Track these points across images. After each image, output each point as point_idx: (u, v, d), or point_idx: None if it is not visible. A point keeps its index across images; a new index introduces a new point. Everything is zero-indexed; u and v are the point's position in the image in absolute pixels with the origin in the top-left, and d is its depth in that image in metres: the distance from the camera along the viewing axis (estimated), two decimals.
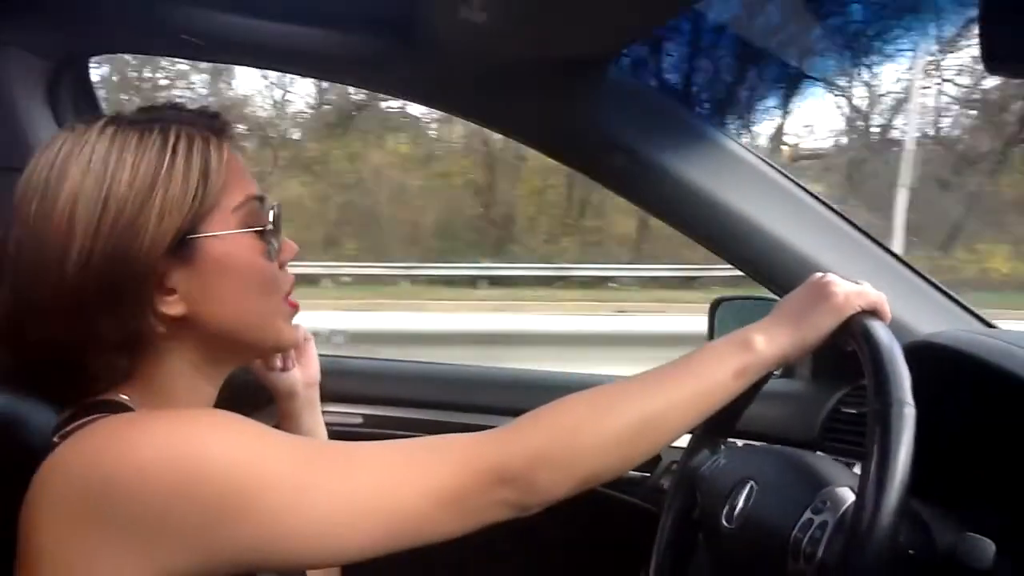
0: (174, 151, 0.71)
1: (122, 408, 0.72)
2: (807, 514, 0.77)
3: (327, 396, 1.09)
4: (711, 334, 1.41)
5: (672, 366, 0.79)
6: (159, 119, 0.74)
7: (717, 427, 1.01)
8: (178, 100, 0.81)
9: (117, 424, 0.68)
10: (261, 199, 0.78)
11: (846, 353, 0.84)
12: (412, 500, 0.69)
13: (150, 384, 0.75)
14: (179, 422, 0.68)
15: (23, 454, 0.79)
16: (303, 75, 1.32)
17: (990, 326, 1.20)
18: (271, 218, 0.78)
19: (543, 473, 0.72)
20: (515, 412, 0.77)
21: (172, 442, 0.65)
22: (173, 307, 0.73)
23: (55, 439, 0.70)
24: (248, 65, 1.23)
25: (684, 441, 1.05)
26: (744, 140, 1.22)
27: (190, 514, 0.63)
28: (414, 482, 0.69)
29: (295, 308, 0.83)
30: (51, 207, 0.69)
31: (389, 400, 1.45)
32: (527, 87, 1.15)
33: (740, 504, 0.86)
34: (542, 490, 0.72)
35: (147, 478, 0.63)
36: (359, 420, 1.41)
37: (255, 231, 0.77)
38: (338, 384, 1.40)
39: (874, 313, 0.83)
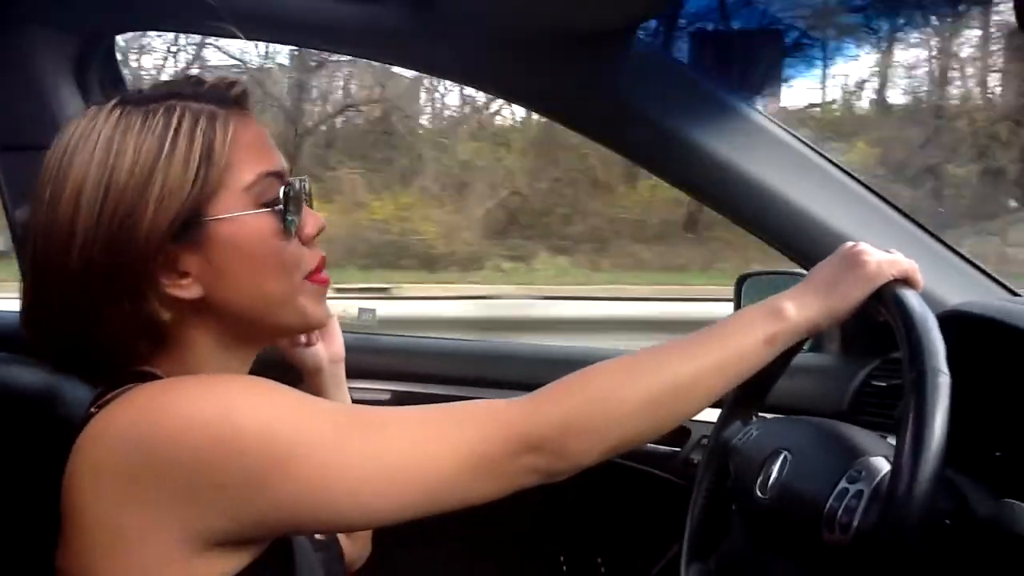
0: (176, 133, 0.71)
1: (156, 378, 0.73)
2: (842, 483, 0.77)
3: (355, 373, 1.10)
4: (737, 309, 1.40)
5: (702, 333, 0.79)
6: (169, 96, 0.73)
7: (749, 398, 1.01)
8: (197, 73, 0.79)
9: (152, 390, 0.69)
10: (278, 174, 0.76)
11: (876, 324, 0.84)
12: (443, 463, 0.69)
13: (181, 363, 0.76)
14: (213, 385, 0.70)
15: (61, 427, 0.81)
16: (324, 49, 1.33)
17: (1016, 295, 1.19)
18: (289, 197, 0.76)
19: (573, 439, 0.72)
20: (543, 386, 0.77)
21: (207, 405, 0.66)
22: (188, 290, 0.73)
23: (92, 409, 0.71)
24: (269, 40, 1.23)
25: (714, 416, 1.06)
26: (770, 111, 1.21)
27: (225, 475, 0.65)
28: (446, 446, 0.70)
29: (323, 284, 0.81)
30: (60, 193, 0.70)
31: (417, 376, 1.46)
32: (549, 59, 1.14)
33: (774, 474, 0.86)
34: (571, 456, 0.72)
35: (183, 441, 0.64)
36: (387, 396, 1.42)
37: (268, 210, 0.75)
38: (366, 361, 1.41)
39: (906, 282, 0.82)
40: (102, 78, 1.31)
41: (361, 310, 1.41)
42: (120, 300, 0.71)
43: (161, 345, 0.75)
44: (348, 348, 1.07)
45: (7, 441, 0.93)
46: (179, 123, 0.71)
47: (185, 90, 0.74)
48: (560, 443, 0.72)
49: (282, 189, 0.76)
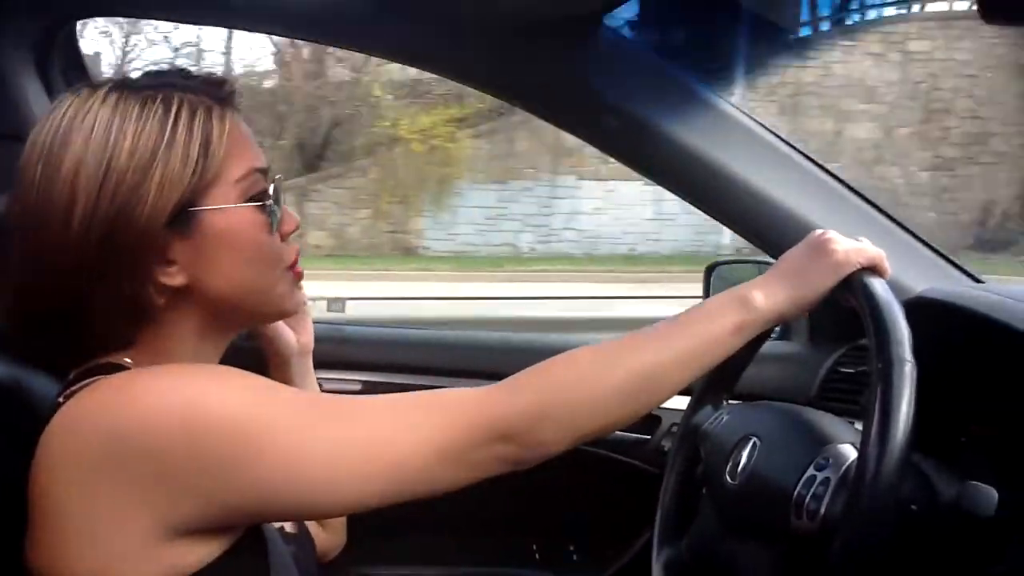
0: (175, 121, 0.71)
1: (123, 370, 0.73)
2: (810, 470, 0.78)
3: (326, 363, 1.09)
4: (706, 297, 1.41)
5: (670, 322, 0.79)
6: (164, 85, 0.74)
7: (718, 384, 1.02)
8: (186, 66, 0.80)
9: (121, 380, 0.70)
10: (264, 171, 0.78)
11: (843, 312, 0.84)
12: (411, 450, 0.70)
13: (153, 350, 0.76)
14: (181, 374, 0.70)
15: (25, 419, 0.79)
16: (286, 35, 1.31)
17: (978, 281, 1.21)
18: (271, 191, 0.78)
19: (542, 428, 0.73)
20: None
21: (174, 393, 0.67)
22: (174, 278, 0.74)
23: (59, 399, 0.71)
24: (241, 28, 1.21)
25: (684, 404, 1.07)
26: (735, 99, 1.21)
27: (194, 462, 0.65)
28: (414, 433, 0.70)
29: (299, 276, 0.83)
30: (55, 173, 0.70)
31: (386, 366, 1.45)
32: (517, 48, 1.14)
33: (743, 460, 0.87)
34: (540, 445, 0.73)
35: (150, 428, 0.65)
36: (357, 387, 1.41)
37: (257, 205, 0.77)
38: (337, 351, 1.40)
39: (874, 270, 0.83)
40: (63, 65, 1.28)
41: (331, 300, 1.41)
42: (113, 281, 0.71)
43: (138, 330, 0.75)
44: (317, 338, 1.07)
45: None
46: (178, 112, 0.72)
47: (178, 81, 0.75)
48: (529, 432, 0.72)
49: (271, 186, 0.78)
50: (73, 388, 0.71)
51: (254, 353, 1.00)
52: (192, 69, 0.79)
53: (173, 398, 0.66)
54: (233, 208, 0.75)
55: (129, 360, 0.75)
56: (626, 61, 1.18)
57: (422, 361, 1.46)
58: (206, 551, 0.68)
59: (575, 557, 1.49)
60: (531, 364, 0.76)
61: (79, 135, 0.70)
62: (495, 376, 0.77)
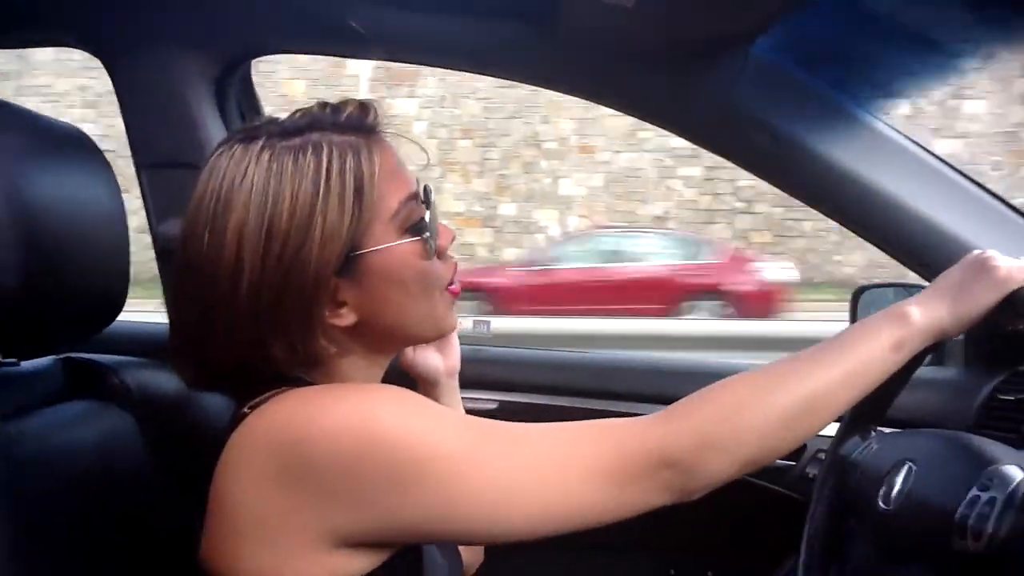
0: (328, 174, 0.73)
1: (306, 383, 0.77)
2: (973, 491, 0.75)
3: (464, 383, 1.13)
4: (853, 323, 1.37)
5: (828, 344, 0.78)
6: (310, 129, 0.75)
7: (868, 413, 0.99)
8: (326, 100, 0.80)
9: (305, 394, 0.73)
10: (415, 196, 0.79)
11: (1003, 335, 0.82)
12: (577, 480, 0.70)
13: (327, 376, 0.79)
14: (361, 393, 0.73)
15: (199, 428, 0.86)
16: (450, 67, 1.37)
17: None
18: (427, 218, 0.79)
19: (707, 455, 0.72)
20: (654, 399, 0.78)
21: (354, 412, 0.69)
22: (345, 319, 0.77)
23: (245, 410, 0.75)
24: (397, 60, 1.28)
25: (830, 430, 1.04)
26: (889, 119, 1.19)
27: (366, 479, 0.68)
28: (580, 462, 0.71)
29: (456, 295, 0.84)
30: (220, 240, 0.72)
31: (525, 387, 1.48)
32: (669, 70, 1.16)
33: (898, 485, 0.85)
34: (705, 473, 0.72)
35: (330, 443, 0.68)
36: (493, 406, 1.45)
37: (415, 239, 0.78)
38: (476, 371, 1.45)
39: None
40: (239, 99, 1.39)
41: (476, 322, 1.45)
42: (288, 333, 0.74)
43: (312, 367, 0.79)
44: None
45: (145, 443, 1.00)
46: (329, 162, 0.73)
47: (325, 120, 0.76)
48: (694, 459, 0.71)
49: (427, 214, 0.80)
50: (258, 399, 0.75)
51: (403, 374, 1.05)
52: (336, 102, 0.79)
53: (352, 417, 0.69)
54: (395, 245, 0.77)
55: (308, 377, 0.78)
56: (777, 81, 1.19)
57: (558, 382, 1.48)
58: (367, 561, 0.71)
59: None
60: (671, 386, 0.76)
61: (239, 200, 0.72)
62: (633, 397, 0.77)
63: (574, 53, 1.19)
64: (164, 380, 1.08)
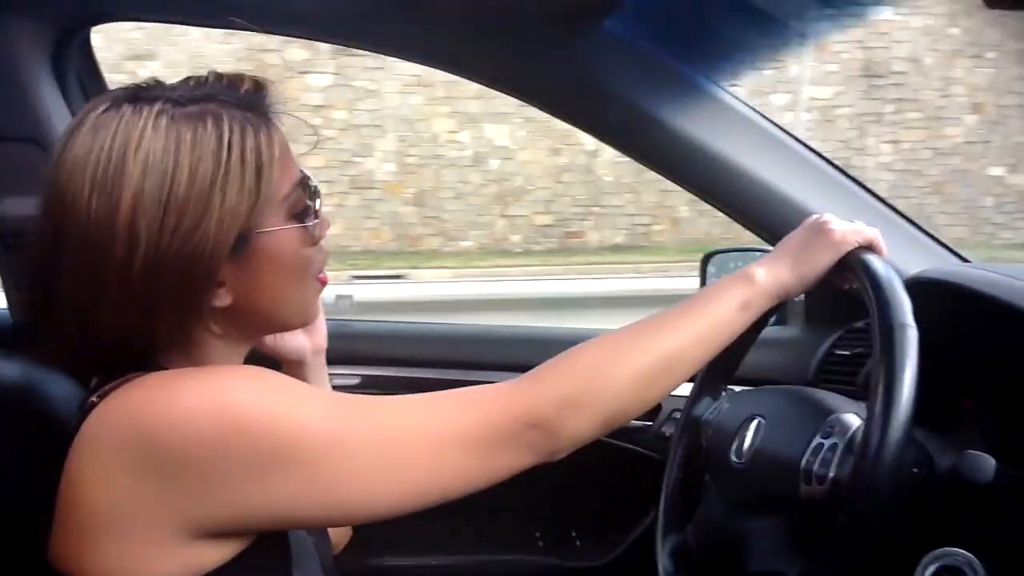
0: (229, 148, 0.69)
1: (157, 369, 0.73)
2: (816, 439, 0.80)
3: (329, 359, 1.10)
4: (703, 287, 1.43)
5: (682, 306, 0.81)
6: (207, 100, 0.71)
7: (718, 373, 1.04)
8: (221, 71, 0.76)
9: (156, 380, 0.69)
10: (303, 182, 0.77)
11: (840, 294, 0.87)
12: (447, 449, 0.70)
13: (187, 357, 0.75)
14: (215, 375, 0.70)
15: (44, 418, 0.80)
16: (300, 36, 1.32)
17: (965, 261, 1.24)
18: (317, 205, 0.78)
19: (569, 415, 0.73)
20: (517, 367, 0.79)
21: (210, 395, 0.66)
22: (222, 299, 0.73)
23: (93, 399, 0.71)
24: (246, 28, 1.22)
25: (684, 390, 1.08)
26: (737, 91, 1.24)
27: (226, 464, 0.65)
28: (448, 432, 0.71)
29: (324, 283, 0.82)
30: (115, 205, 0.67)
31: (388, 360, 1.46)
32: (522, 41, 1.17)
33: (748, 439, 0.89)
34: (569, 433, 0.74)
35: (186, 428, 0.65)
36: (356, 381, 1.42)
37: (303, 225, 0.76)
38: (340, 347, 1.41)
39: (870, 248, 0.86)
40: (80, 72, 1.29)
41: (338, 296, 1.41)
42: (177, 311, 0.71)
43: (179, 349, 0.75)
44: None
45: None
46: (230, 138, 0.70)
47: (222, 93, 0.73)
48: (557, 420, 0.73)
49: (317, 201, 0.78)
50: (107, 387, 0.71)
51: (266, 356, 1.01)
52: (230, 75, 0.75)
53: (207, 401, 0.66)
54: (282, 229, 0.75)
55: (163, 361, 0.74)
56: (630, 54, 1.21)
57: (424, 354, 1.47)
58: (228, 550, 0.68)
59: (578, 543, 1.50)
60: (532, 354, 0.77)
61: (135, 166, 0.67)
62: (499, 367, 0.78)
63: (432, 25, 1.18)
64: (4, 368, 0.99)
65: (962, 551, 0.78)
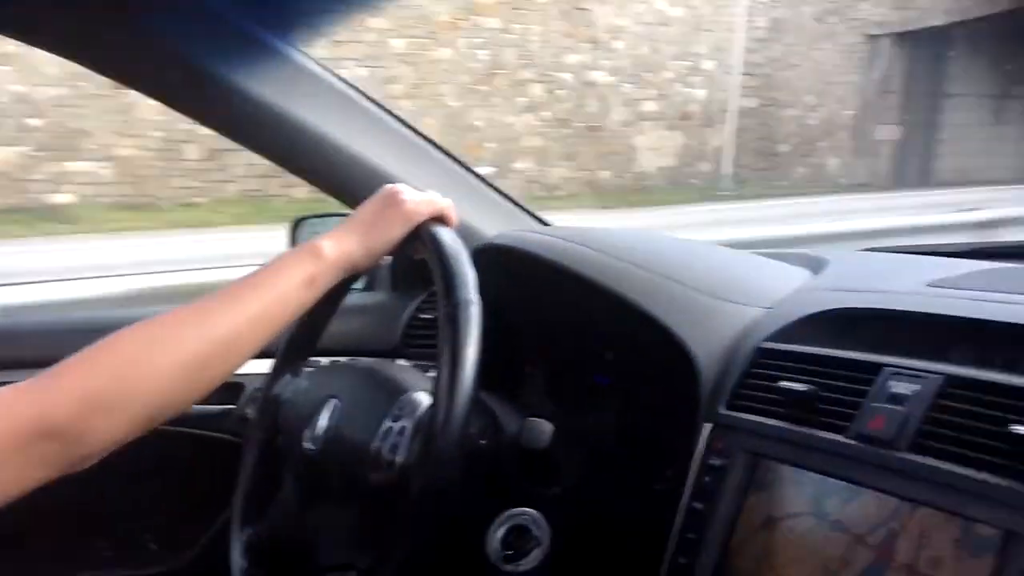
0: None
1: None
2: (387, 423, 0.77)
3: None
4: None
5: (237, 283, 0.74)
6: None
7: (298, 347, 0.96)
8: None
9: None
10: None
11: (420, 261, 0.85)
12: None
13: None
14: None
15: None
16: None
17: (545, 224, 1.32)
18: None
19: (96, 419, 0.64)
20: (38, 364, 0.66)
21: None
22: None
23: None
24: None
25: (268, 366, 1.00)
26: (311, 53, 1.16)
27: None
28: None
29: None
30: None
31: None
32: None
33: (323, 423, 0.84)
34: (97, 438, 0.64)
35: None
36: None
37: None
38: None
39: (441, 219, 0.84)
40: None
41: None
42: None
43: None
44: None
45: None
46: None
47: None
48: (79, 426, 0.63)
49: None
50: None
51: None
52: None
53: None
54: None
55: None
56: (193, 11, 1.07)
57: None
58: None
59: (153, 547, 1.35)
60: (80, 347, 0.65)
61: None
62: (20, 365, 0.64)
63: None
64: None
65: (528, 510, 0.81)
